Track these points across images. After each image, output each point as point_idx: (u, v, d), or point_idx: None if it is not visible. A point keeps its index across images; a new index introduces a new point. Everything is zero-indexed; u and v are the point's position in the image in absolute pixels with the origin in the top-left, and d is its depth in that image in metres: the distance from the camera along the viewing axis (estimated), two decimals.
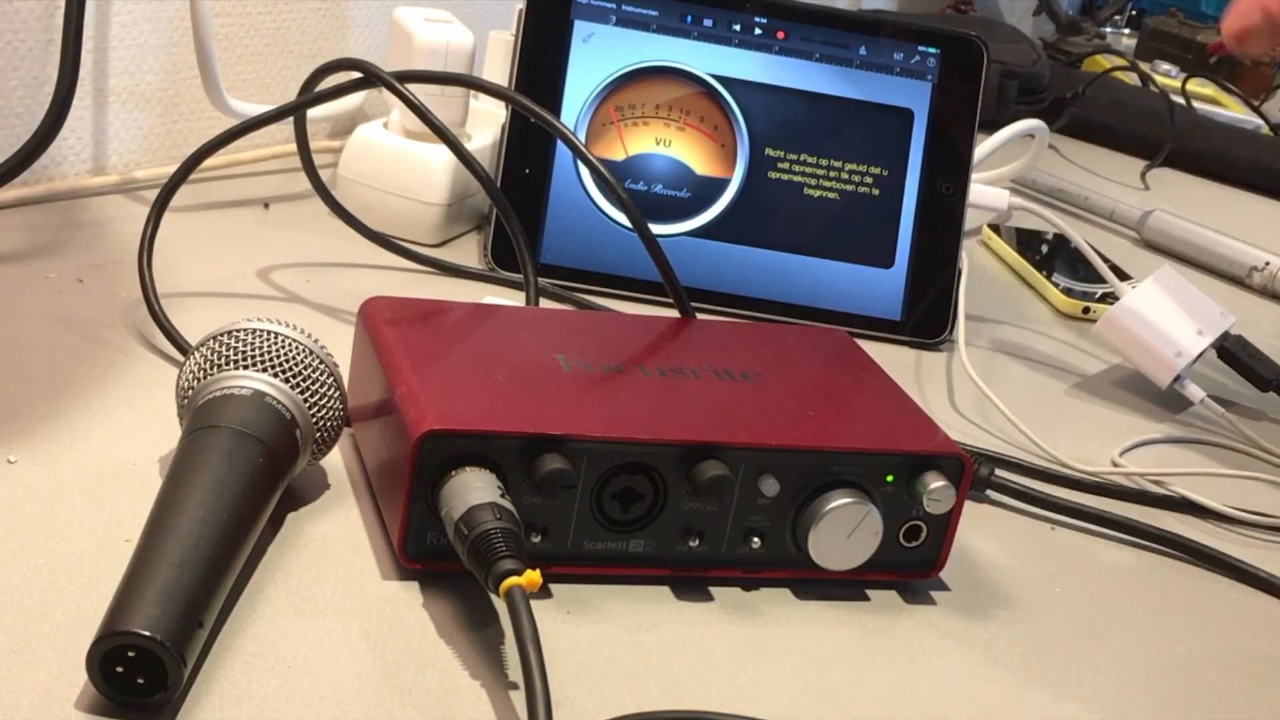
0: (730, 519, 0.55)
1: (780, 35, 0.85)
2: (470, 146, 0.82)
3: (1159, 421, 0.81)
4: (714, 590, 0.55)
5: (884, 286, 0.85)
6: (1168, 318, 0.80)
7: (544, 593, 0.53)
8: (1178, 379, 0.79)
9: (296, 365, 0.54)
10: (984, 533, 0.64)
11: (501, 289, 0.80)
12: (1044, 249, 1.06)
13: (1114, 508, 0.68)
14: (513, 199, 0.78)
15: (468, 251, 0.86)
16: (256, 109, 0.85)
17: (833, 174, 0.85)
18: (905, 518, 0.56)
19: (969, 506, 0.66)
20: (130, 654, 0.42)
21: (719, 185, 0.85)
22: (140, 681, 0.43)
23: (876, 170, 0.86)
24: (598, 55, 0.84)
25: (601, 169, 0.70)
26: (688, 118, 0.85)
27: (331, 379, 0.55)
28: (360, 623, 0.50)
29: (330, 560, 0.53)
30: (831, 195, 0.85)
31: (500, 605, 0.50)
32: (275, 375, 0.53)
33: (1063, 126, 1.42)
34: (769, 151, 0.85)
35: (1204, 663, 0.58)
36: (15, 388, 0.60)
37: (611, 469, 0.53)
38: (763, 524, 0.55)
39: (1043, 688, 0.54)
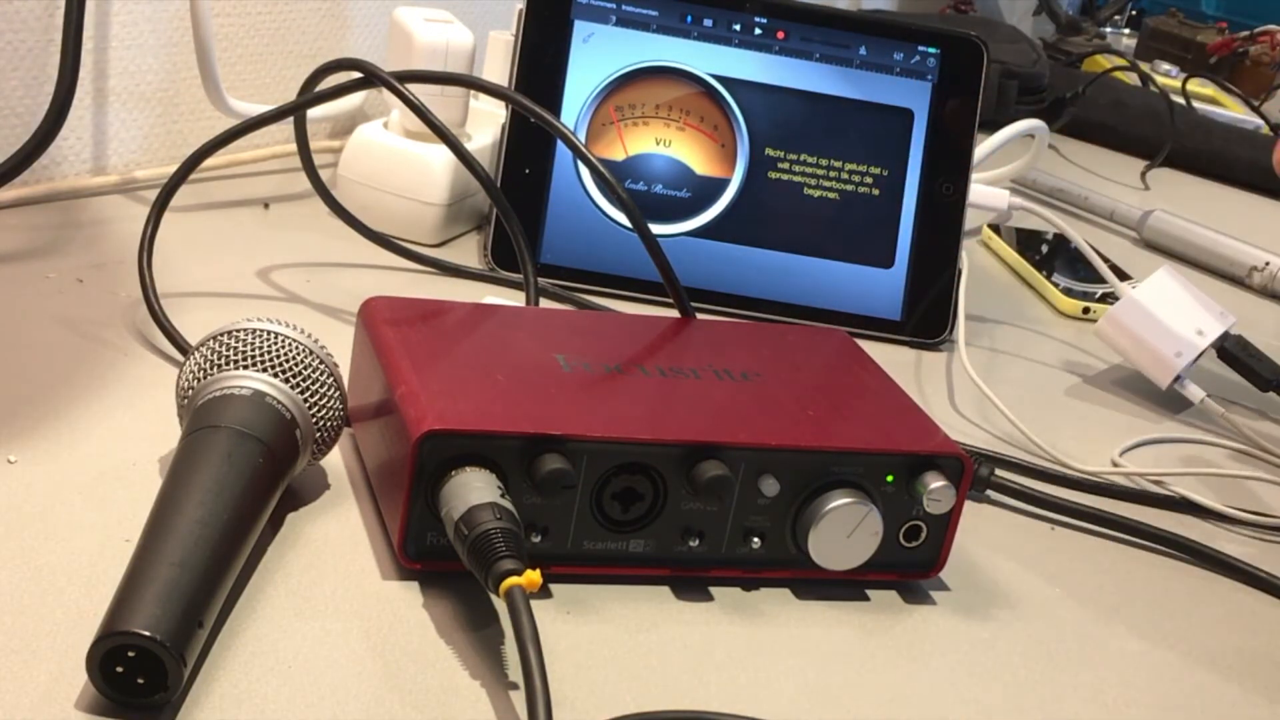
0: (730, 519, 0.55)
1: (780, 35, 0.85)
2: (470, 146, 0.82)
3: (1159, 421, 0.81)
4: (714, 590, 0.55)
5: (884, 286, 0.85)
6: (1168, 318, 0.80)
7: (544, 593, 0.53)
8: (1178, 379, 0.80)
9: (296, 365, 0.54)
10: (984, 533, 0.64)
11: (501, 289, 0.80)
12: (1044, 249, 1.06)
13: (1114, 508, 0.67)
14: (513, 199, 0.78)
15: (468, 251, 0.86)
16: (256, 109, 0.85)
17: (833, 174, 0.85)
18: (905, 518, 0.56)
19: (969, 506, 0.66)
20: (130, 654, 0.42)
21: (719, 185, 0.85)
22: (140, 681, 0.43)
23: (876, 170, 0.86)
24: (598, 55, 0.84)
25: (601, 169, 0.70)
26: (688, 118, 0.85)
27: (331, 379, 0.55)
28: (360, 623, 0.50)
29: (330, 560, 0.53)
30: (831, 195, 0.85)
31: (500, 605, 0.50)
32: (275, 375, 0.53)
33: (1063, 126, 1.42)
34: (769, 151, 0.85)
35: (1204, 663, 0.58)
36: (15, 388, 0.60)
37: (611, 469, 0.53)
38: (763, 524, 0.55)
39: (1043, 688, 0.54)
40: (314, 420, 0.54)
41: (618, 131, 0.84)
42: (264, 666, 0.46)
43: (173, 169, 0.71)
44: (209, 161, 0.73)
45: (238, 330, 0.54)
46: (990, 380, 0.79)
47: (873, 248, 0.85)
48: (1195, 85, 1.56)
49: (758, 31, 0.85)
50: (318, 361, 0.55)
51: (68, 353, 0.64)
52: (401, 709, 0.46)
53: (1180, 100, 1.48)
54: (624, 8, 0.84)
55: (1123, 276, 0.89)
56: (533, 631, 0.45)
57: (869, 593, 0.57)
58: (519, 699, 0.47)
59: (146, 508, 0.48)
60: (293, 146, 0.80)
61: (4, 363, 0.62)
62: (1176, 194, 1.31)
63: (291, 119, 0.76)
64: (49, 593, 0.48)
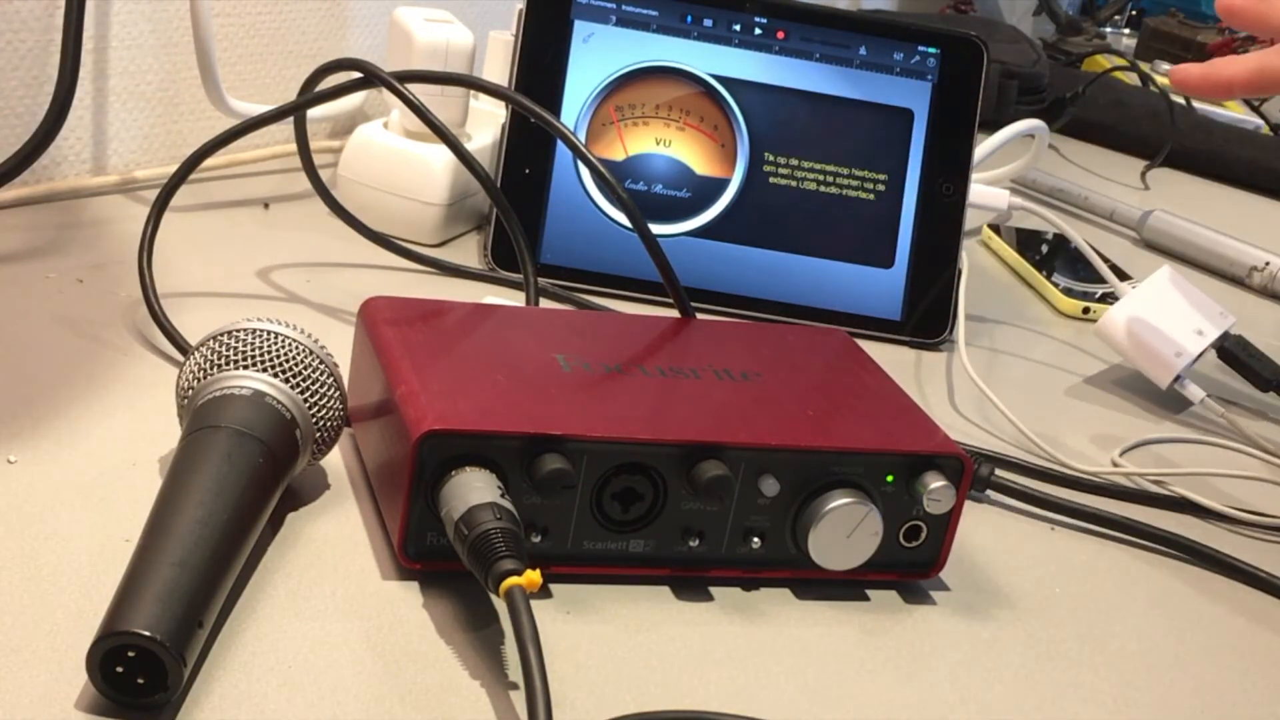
0: (730, 519, 0.55)
1: (780, 35, 0.85)
2: (470, 146, 0.82)
3: (1159, 421, 0.81)
4: (714, 590, 0.55)
5: (884, 286, 0.85)
6: (1168, 318, 0.80)
7: (544, 593, 0.53)
8: (1178, 379, 0.79)
9: (296, 365, 0.54)
10: (984, 533, 0.64)
11: (501, 289, 0.80)
12: (1044, 249, 1.06)
13: (1114, 508, 0.67)
14: (513, 199, 0.78)
15: (468, 251, 0.86)
16: (256, 109, 0.85)
17: (832, 174, 0.85)
18: (905, 518, 0.56)
19: (969, 506, 0.66)
20: (130, 654, 0.42)
21: (719, 185, 0.85)
22: (140, 681, 0.43)
23: (876, 170, 0.86)
24: (598, 55, 0.84)
25: (601, 169, 0.70)
26: (688, 118, 0.85)
27: (331, 379, 0.55)
28: (360, 623, 0.50)
29: (330, 560, 0.53)
30: (831, 196, 0.85)
31: (500, 605, 0.50)
32: (275, 375, 0.53)
33: (1063, 126, 1.42)
34: (769, 152, 0.85)
35: (1204, 663, 0.58)
36: (15, 388, 0.60)
37: (611, 469, 0.53)
38: (763, 524, 0.55)
39: (1043, 688, 0.54)
40: (314, 420, 0.54)
41: (618, 131, 0.84)
42: (264, 666, 0.46)
43: (173, 169, 0.71)
44: (209, 161, 0.73)
45: (238, 330, 0.55)
46: (990, 380, 0.79)
47: (873, 248, 0.85)
48: None
49: (758, 31, 0.85)
50: (318, 361, 0.55)
51: (68, 353, 0.64)
52: (401, 709, 0.46)
53: (1180, 100, 1.48)
54: (624, 8, 0.84)
55: (1123, 276, 0.89)
56: (533, 631, 0.45)
57: (869, 593, 0.57)
58: (519, 699, 0.47)
59: (146, 508, 0.48)
60: (293, 146, 0.80)
61: (4, 363, 0.62)
62: (1176, 194, 1.31)
63: (291, 119, 0.76)
64: (49, 593, 0.48)
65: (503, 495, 0.50)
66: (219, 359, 0.54)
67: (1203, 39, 1.75)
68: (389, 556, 0.53)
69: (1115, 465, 0.73)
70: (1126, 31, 2.04)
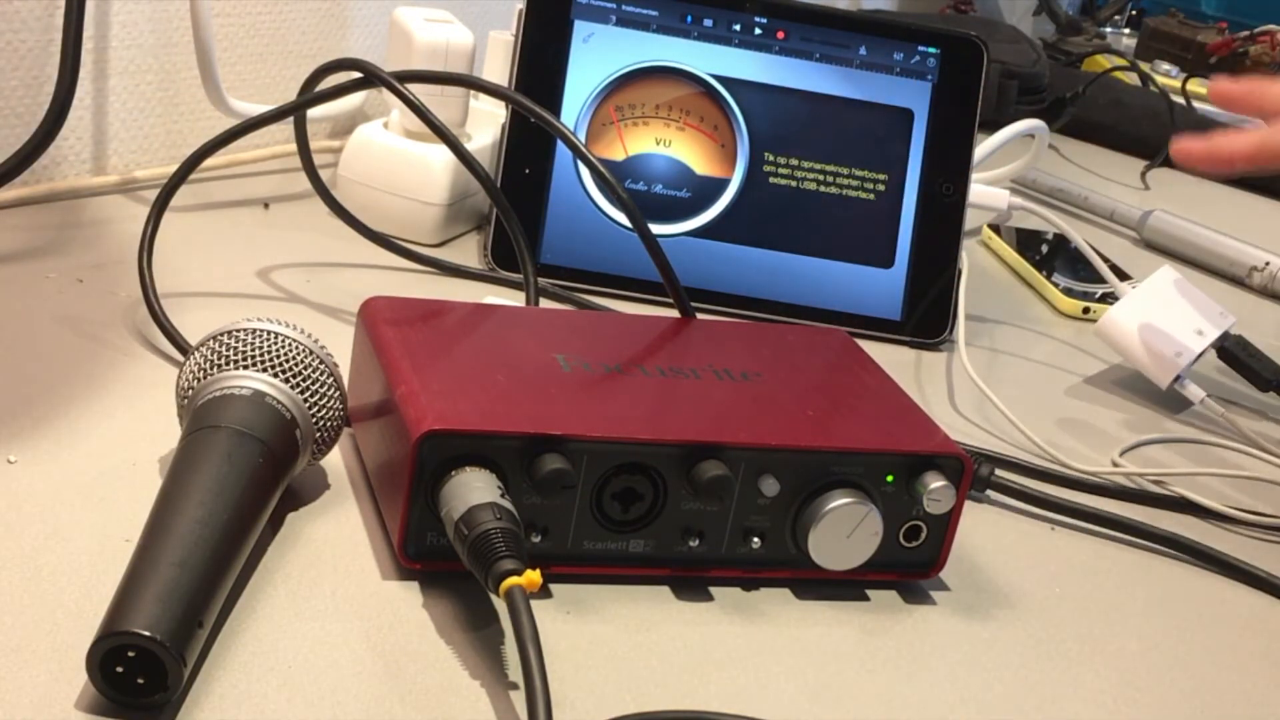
0: (730, 519, 0.55)
1: (780, 35, 0.85)
2: (470, 146, 0.82)
3: (1159, 421, 0.80)
4: (714, 590, 0.55)
5: (884, 286, 0.85)
6: (1168, 318, 0.80)
7: (544, 593, 0.53)
8: (1178, 379, 0.79)
9: (296, 365, 0.54)
10: (984, 533, 0.64)
11: (501, 289, 0.80)
12: (1044, 249, 1.06)
13: (1114, 508, 0.68)
14: (513, 199, 0.78)
15: (468, 251, 0.86)
16: (256, 109, 0.85)
17: (832, 174, 0.85)
18: (905, 518, 0.56)
19: (969, 506, 0.66)
20: (130, 654, 0.42)
21: (719, 185, 0.85)
22: (140, 681, 0.43)
23: (876, 170, 0.86)
24: (598, 55, 0.84)
25: (601, 169, 0.70)
26: (688, 118, 0.85)
27: (331, 379, 0.55)
28: (360, 623, 0.50)
29: (330, 560, 0.53)
30: (831, 195, 0.85)
31: (500, 605, 0.50)
32: (275, 375, 0.53)
33: (1063, 126, 1.42)
34: (769, 152, 0.85)
35: (1204, 663, 0.58)
36: (15, 388, 0.60)
37: (611, 469, 0.53)
38: (763, 524, 0.55)
39: (1043, 688, 0.54)
40: (314, 420, 0.54)
41: (618, 131, 0.84)
42: (264, 666, 0.46)
43: (173, 169, 0.71)
44: (209, 161, 0.73)
45: (238, 330, 0.55)
46: (990, 380, 0.79)
47: (873, 248, 0.85)
48: (1195, 85, 1.56)
49: (758, 31, 0.85)
50: (318, 361, 0.55)
51: (68, 353, 0.64)
52: (401, 709, 0.46)
53: (1180, 100, 1.48)
54: (624, 8, 0.84)
55: (1123, 276, 0.89)
56: (533, 631, 0.45)
57: (869, 593, 0.57)
58: (519, 699, 0.47)
59: (146, 508, 0.48)
60: (293, 146, 0.80)
61: (4, 363, 0.62)
62: (1176, 194, 1.31)
63: (291, 119, 0.76)
64: (49, 593, 0.48)
65: (503, 495, 0.50)
66: (219, 359, 0.54)
67: (1203, 39, 1.74)
68: (389, 556, 0.53)
69: (1115, 465, 0.73)
70: (1126, 31, 2.04)
